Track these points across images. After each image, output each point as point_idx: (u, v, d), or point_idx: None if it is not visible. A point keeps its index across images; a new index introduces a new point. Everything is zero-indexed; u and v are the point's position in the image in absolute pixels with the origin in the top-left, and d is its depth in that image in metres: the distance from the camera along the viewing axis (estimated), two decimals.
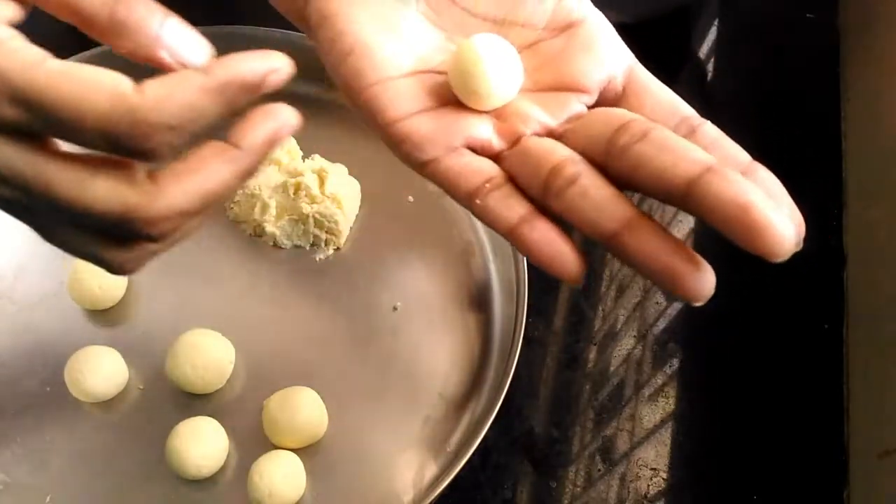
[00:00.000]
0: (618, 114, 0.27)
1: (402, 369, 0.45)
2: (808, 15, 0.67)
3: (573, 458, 0.45)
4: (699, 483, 0.45)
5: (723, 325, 0.51)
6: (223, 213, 0.50)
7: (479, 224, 0.50)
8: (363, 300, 0.47)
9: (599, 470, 0.45)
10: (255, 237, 0.49)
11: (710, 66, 0.64)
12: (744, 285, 0.52)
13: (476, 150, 0.28)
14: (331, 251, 0.49)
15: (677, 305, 0.51)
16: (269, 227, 0.49)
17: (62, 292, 0.45)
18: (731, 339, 0.50)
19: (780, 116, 0.61)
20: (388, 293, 0.48)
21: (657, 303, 0.51)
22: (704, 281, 0.24)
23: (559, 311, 0.50)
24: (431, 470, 0.42)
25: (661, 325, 0.50)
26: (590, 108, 0.29)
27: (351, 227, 0.50)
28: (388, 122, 0.29)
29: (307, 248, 0.49)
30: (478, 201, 0.27)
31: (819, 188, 0.57)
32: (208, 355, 0.42)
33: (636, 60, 0.30)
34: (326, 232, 0.49)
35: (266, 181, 0.49)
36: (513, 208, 0.27)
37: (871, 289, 0.50)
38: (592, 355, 0.49)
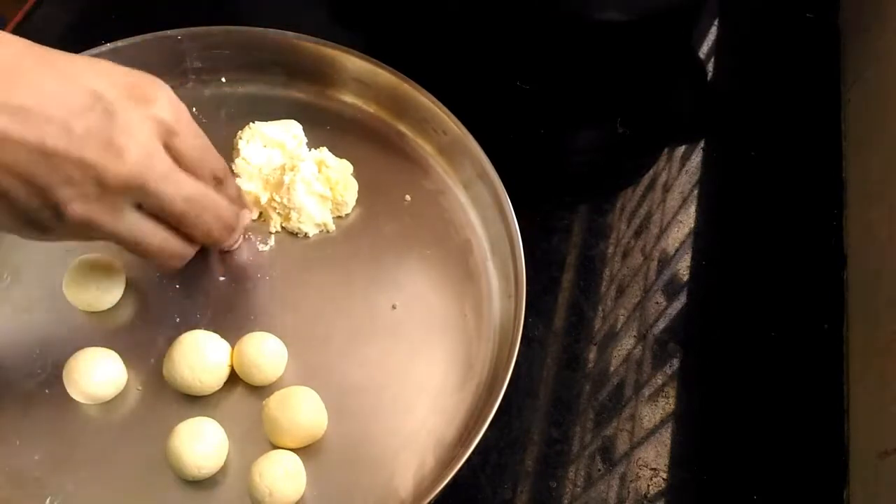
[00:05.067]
0: None
1: (401, 368, 0.45)
2: (808, 15, 0.67)
3: (573, 458, 0.45)
4: (699, 483, 0.45)
5: (723, 325, 0.51)
6: None
7: (477, 222, 0.50)
8: (362, 300, 0.47)
9: (599, 470, 0.45)
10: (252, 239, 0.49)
11: (710, 66, 0.64)
12: (744, 285, 0.52)
13: None
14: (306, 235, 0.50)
15: (677, 305, 0.51)
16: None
17: (59, 294, 0.45)
18: (731, 339, 0.50)
19: (780, 116, 0.61)
20: (387, 293, 0.48)
21: (657, 303, 0.51)
22: None
23: (559, 311, 0.50)
24: (431, 469, 0.42)
25: (661, 325, 0.50)
26: None
27: (339, 217, 0.51)
28: None
29: (295, 234, 0.50)
30: None
31: (819, 188, 0.57)
32: (205, 357, 0.42)
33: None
34: (292, 220, 0.49)
35: (268, 163, 0.50)
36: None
37: (871, 289, 0.50)
38: (592, 355, 0.49)
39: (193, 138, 0.40)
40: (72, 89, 0.34)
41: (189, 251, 0.42)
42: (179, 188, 0.38)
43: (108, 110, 0.35)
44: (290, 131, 0.51)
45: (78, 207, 0.35)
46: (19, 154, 0.33)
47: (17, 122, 0.33)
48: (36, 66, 0.34)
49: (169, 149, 0.38)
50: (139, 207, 0.38)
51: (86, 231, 0.37)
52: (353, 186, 0.51)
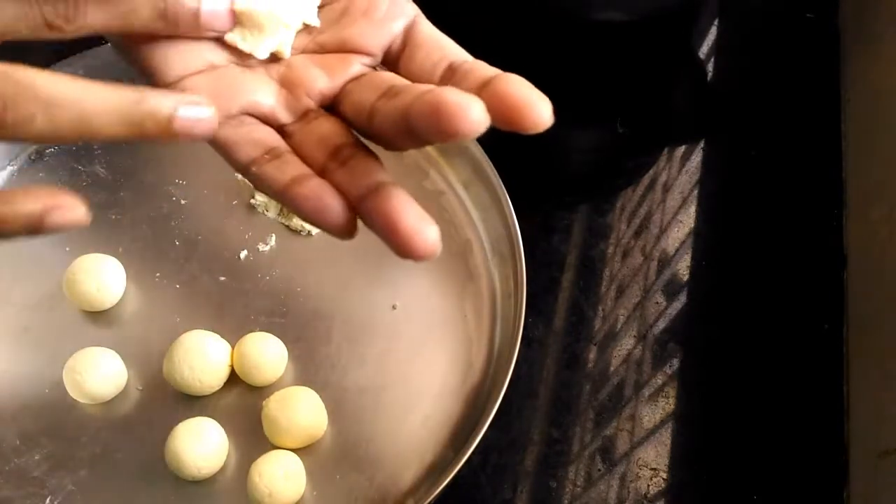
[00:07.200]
0: (384, 78, 0.28)
1: (401, 369, 0.45)
2: (808, 15, 0.67)
3: (573, 458, 0.45)
4: (699, 483, 0.45)
5: (723, 325, 0.51)
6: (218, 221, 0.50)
7: (478, 223, 0.50)
8: (362, 300, 0.47)
9: (599, 470, 0.45)
10: (249, 249, 0.49)
11: (710, 66, 0.64)
12: (744, 285, 0.52)
13: (259, 118, 0.29)
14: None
15: (677, 305, 0.51)
16: (260, 197, 0.50)
17: (60, 294, 0.45)
18: (731, 339, 0.50)
19: (780, 116, 0.61)
20: (387, 293, 0.48)
21: (657, 303, 0.51)
22: (426, 240, 0.27)
23: (559, 311, 0.50)
24: (431, 469, 0.42)
25: (661, 325, 0.50)
26: (375, 67, 0.30)
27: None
28: (166, 82, 0.28)
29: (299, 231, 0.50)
30: (254, 169, 0.28)
31: (819, 188, 0.57)
32: (205, 357, 0.42)
33: (419, 12, 0.30)
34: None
35: None
36: (286, 171, 0.27)
37: (871, 289, 0.50)
38: (592, 355, 0.49)
39: None
40: None
41: None
42: None
43: None
44: None
45: None
46: None
47: None
48: None
49: None
50: None
51: None
52: None
